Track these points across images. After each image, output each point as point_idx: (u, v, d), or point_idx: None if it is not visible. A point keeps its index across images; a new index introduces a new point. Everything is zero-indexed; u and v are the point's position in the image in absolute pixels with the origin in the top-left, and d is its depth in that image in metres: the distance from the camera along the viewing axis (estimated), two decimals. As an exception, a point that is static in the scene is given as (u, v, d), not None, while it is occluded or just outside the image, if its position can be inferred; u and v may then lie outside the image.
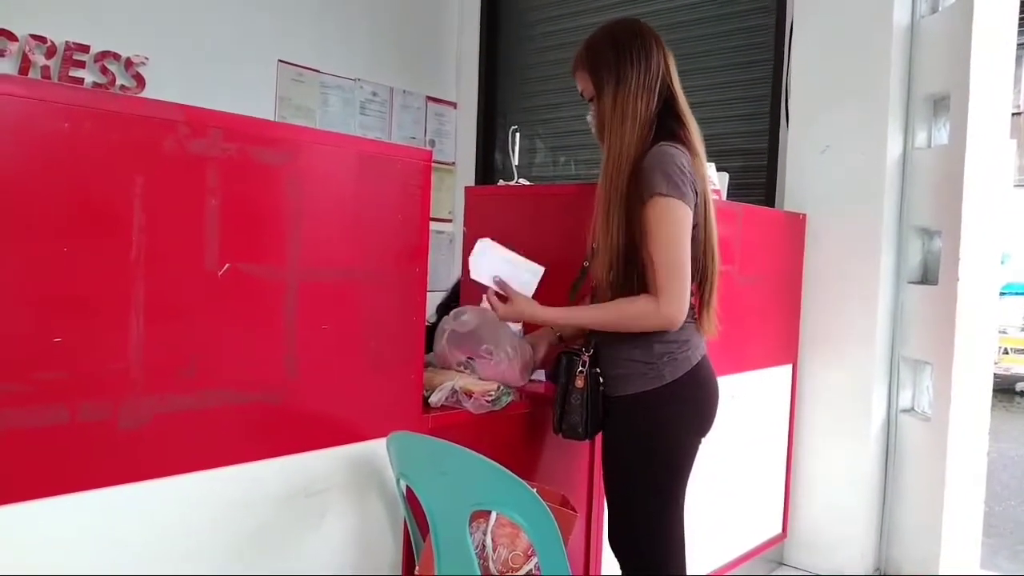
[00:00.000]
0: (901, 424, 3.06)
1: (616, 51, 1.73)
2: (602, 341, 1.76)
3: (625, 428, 1.74)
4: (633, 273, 1.69)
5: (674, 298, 1.62)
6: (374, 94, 4.33)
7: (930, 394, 3.00)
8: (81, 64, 3.24)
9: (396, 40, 4.44)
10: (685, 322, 1.68)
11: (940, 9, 2.99)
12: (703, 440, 1.79)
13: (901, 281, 3.05)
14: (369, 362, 1.61)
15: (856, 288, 3.02)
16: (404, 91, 4.48)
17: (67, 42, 3.20)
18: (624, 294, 1.69)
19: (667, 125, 1.71)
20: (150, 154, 1.27)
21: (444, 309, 2.91)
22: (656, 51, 1.73)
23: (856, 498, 3.04)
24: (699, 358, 1.74)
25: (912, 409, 3.10)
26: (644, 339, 1.69)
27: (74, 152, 1.19)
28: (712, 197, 1.76)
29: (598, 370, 1.75)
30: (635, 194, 1.66)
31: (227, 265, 1.37)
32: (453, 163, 4.73)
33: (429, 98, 4.61)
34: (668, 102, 1.74)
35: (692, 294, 1.71)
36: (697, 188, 1.67)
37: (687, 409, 1.73)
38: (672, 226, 1.62)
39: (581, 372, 1.74)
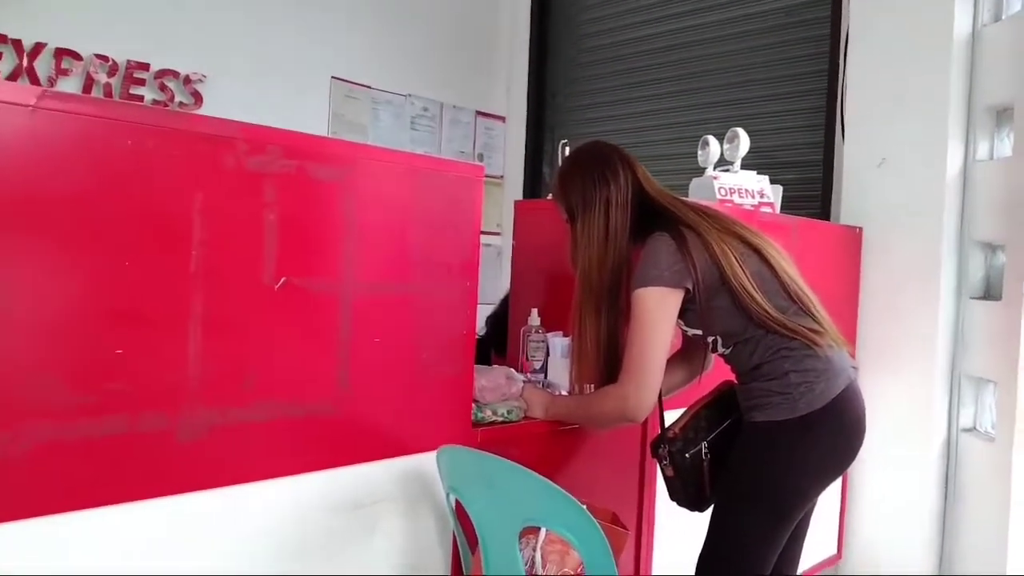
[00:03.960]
0: (962, 444, 2.96)
1: (582, 177, 1.77)
2: (743, 380, 1.72)
3: (745, 452, 1.68)
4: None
5: (635, 383, 1.64)
6: (424, 109, 4.38)
7: (993, 413, 2.90)
8: (141, 82, 3.35)
9: (447, 55, 4.49)
10: (807, 348, 1.61)
11: (1003, 18, 2.91)
12: (829, 486, 1.70)
13: (962, 296, 2.96)
14: (420, 375, 1.62)
15: (915, 303, 2.94)
16: (454, 106, 4.52)
17: (128, 61, 3.30)
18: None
19: (646, 225, 1.72)
20: (210, 170, 1.30)
21: (494, 321, 2.91)
22: (622, 167, 1.75)
23: (914, 520, 2.95)
24: (840, 388, 1.62)
25: (974, 428, 3.00)
26: (780, 371, 1.62)
27: (136, 169, 1.22)
28: (742, 236, 1.69)
29: (704, 448, 1.71)
30: (616, 307, 1.73)
31: (283, 279, 1.39)
32: (502, 176, 4.75)
33: (478, 112, 4.64)
34: (644, 204, 1.75)
35: (773, 326, 1.62)
36: (696, 259, 1.63)
37: (818, 448, 1.63)
38: (638, 319, 1.65)
39: (666, 464, 1.73)
